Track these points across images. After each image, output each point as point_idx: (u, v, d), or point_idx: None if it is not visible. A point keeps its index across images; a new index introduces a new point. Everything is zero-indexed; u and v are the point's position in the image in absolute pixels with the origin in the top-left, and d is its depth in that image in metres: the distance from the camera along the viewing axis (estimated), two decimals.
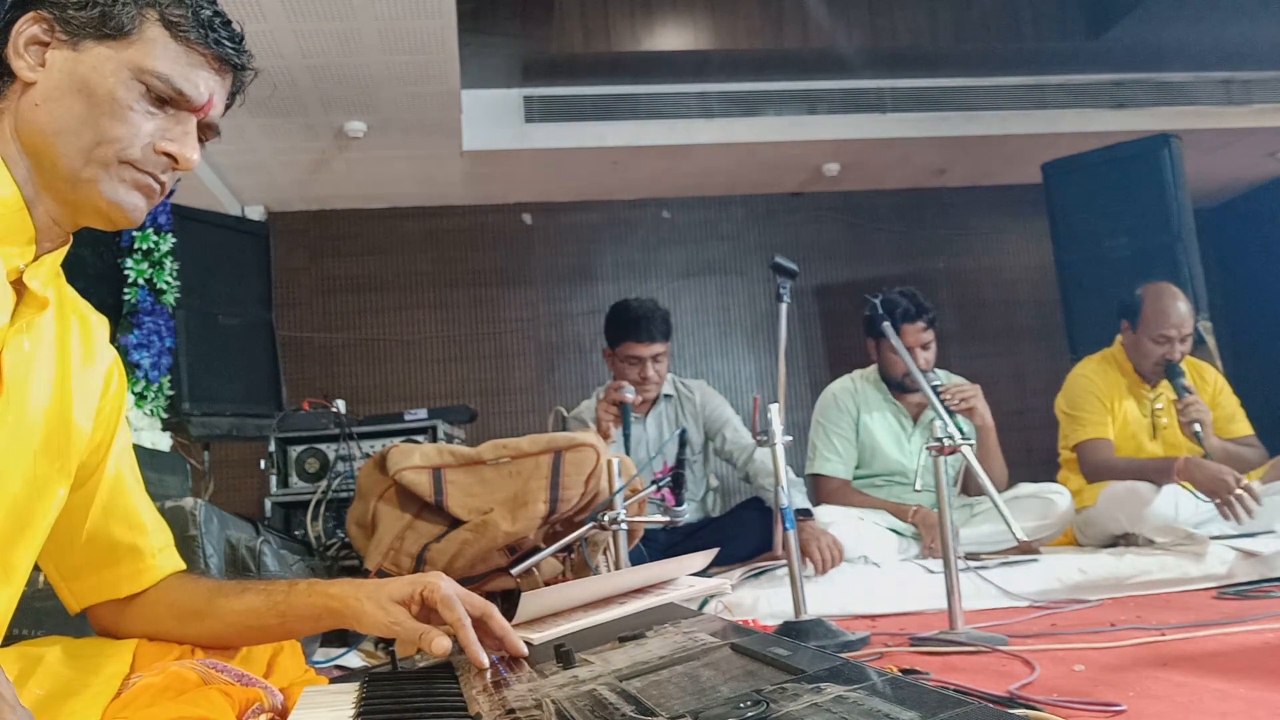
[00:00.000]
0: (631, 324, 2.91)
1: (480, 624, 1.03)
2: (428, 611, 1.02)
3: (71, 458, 0.97)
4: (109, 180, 0.90)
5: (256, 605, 1.04)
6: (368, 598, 1.02)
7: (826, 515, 2.66)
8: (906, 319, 2.86)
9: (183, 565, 1.11)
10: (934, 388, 2.59)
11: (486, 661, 1.00)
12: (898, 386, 3.02)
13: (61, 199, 0.91)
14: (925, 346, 2.90)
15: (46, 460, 0.93)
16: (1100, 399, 3.04)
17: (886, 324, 2.27)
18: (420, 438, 3.32)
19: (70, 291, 1.01)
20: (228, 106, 1.00)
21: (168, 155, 0.92)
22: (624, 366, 2.94)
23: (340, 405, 3.46)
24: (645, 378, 2.90)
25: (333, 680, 1.14)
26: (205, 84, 0.94)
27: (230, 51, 0.95)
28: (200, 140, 0.96)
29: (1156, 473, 2.76)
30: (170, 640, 1.04)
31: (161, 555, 1.08)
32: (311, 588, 1.05)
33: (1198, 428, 2.76)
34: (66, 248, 0.96)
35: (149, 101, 0.91)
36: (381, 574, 1.99)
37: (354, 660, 1.92)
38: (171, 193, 2.97)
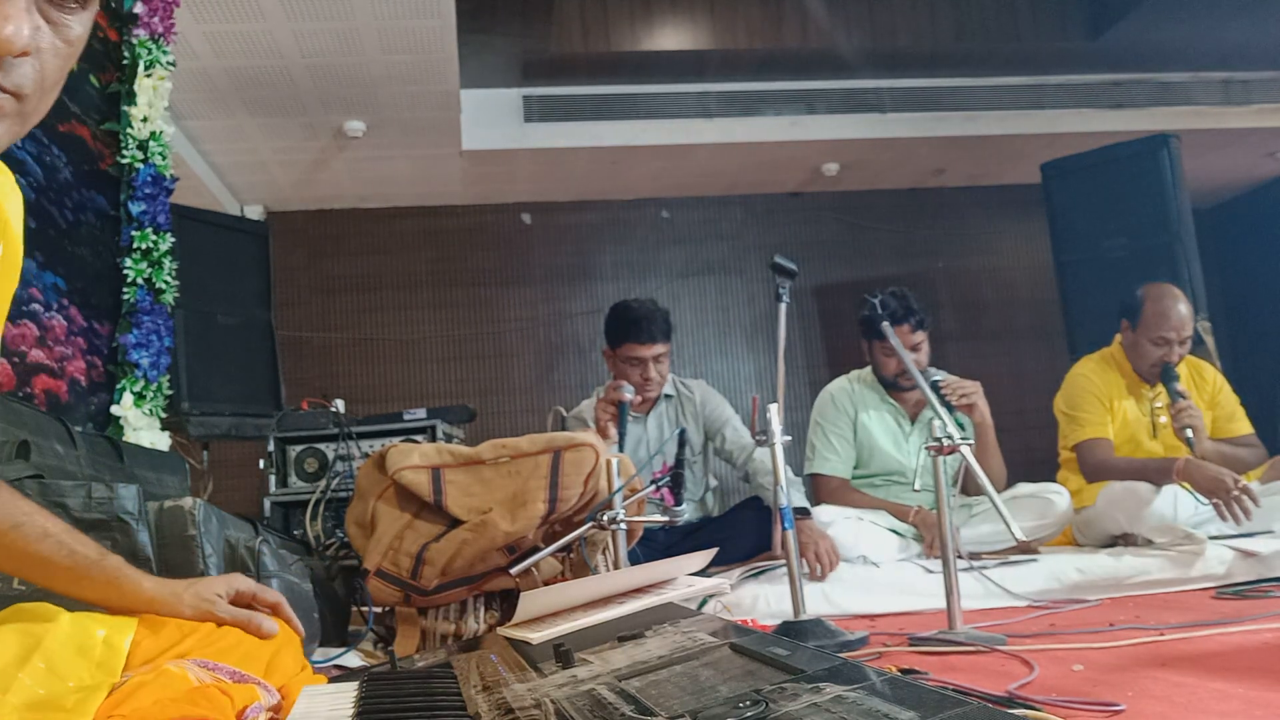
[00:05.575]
0: (633, 325, 2.88)
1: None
2: (243, 605, 1.13)
3: None
4: None
5: (52, 555, 1.01)
6: (185, 590, 1.08)
7: (825, 515, 2.66)
8: (895, 321, 2.81)
9: None
10: (933, 383, 2.59)
11: (304, 630, 1.18)
12: (892, 386, 3.02)
13: None
14: (915, 349, 2.87)
15: None
16: (1099, 399, 3.04)
17: (886, 324, 2.27)
18: (419, 437, 3.32)
19: None
20: None
21: None
22: (625, 367, 2.92)
23: (339, 405, 3.47)
24: (647, 378, 2.89)
25: (331, 679, 1.14)
26: None
27: None
28: (60, 8, 0.72)
29: (1156, 473, 2.76)
30: None
31: None
32: (122, 569, 1.05)
33: (1189, 434, 2.76)
34: None
35: None
36: (381, 573, 1.99)
37: (353, 660, 1.92)
38: (170, 192, 2.96)
